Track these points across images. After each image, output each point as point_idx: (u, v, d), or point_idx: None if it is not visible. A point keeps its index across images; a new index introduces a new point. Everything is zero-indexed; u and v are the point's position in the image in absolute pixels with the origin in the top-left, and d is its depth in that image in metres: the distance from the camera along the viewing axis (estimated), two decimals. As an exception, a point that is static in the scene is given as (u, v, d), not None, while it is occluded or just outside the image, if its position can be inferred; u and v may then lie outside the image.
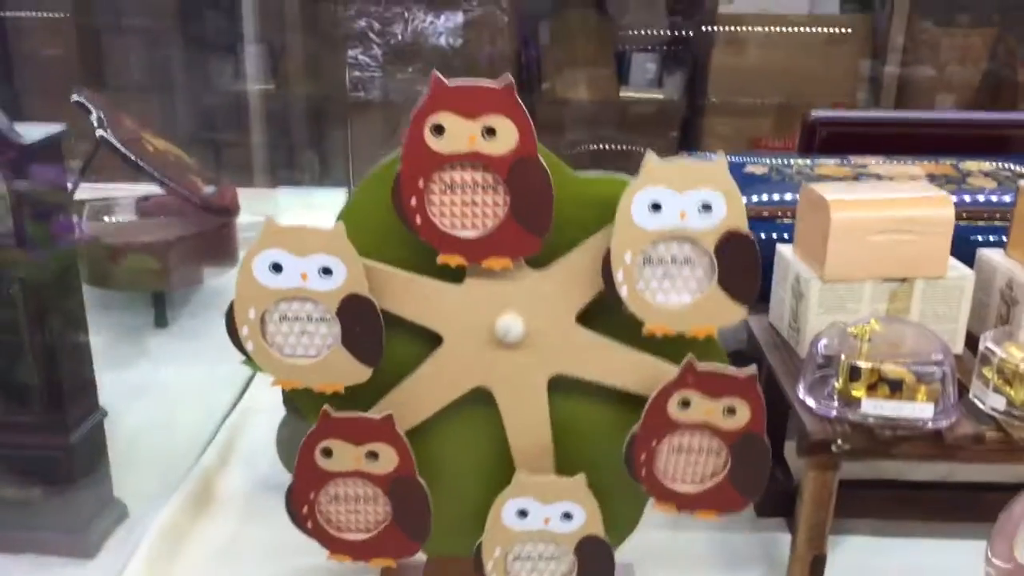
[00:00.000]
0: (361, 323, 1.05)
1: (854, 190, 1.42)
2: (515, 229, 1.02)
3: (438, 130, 0.98)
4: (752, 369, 1.05)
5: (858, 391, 1.23)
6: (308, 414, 1.13)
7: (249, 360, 1.51)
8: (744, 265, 1.03)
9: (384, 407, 1.11)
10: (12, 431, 1.36)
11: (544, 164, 1.00)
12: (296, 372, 1.07)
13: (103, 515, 1.44)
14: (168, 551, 1.39)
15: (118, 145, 1.94)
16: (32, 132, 1.27)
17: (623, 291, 1.03)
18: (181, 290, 2.20)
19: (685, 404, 1.06)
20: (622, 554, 1.27)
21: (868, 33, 3.68)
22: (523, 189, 1.00)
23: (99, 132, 1.93)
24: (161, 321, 2.11)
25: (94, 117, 1.95)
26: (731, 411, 1.06)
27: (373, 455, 1.09)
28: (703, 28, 3.81)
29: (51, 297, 1.32)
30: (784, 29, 3.71)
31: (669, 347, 1.08)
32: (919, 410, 1.21)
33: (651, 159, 1.00)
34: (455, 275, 1.07)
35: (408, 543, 1.15)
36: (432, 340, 1.11)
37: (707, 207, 1.00)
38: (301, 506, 1.14)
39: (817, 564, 1.30)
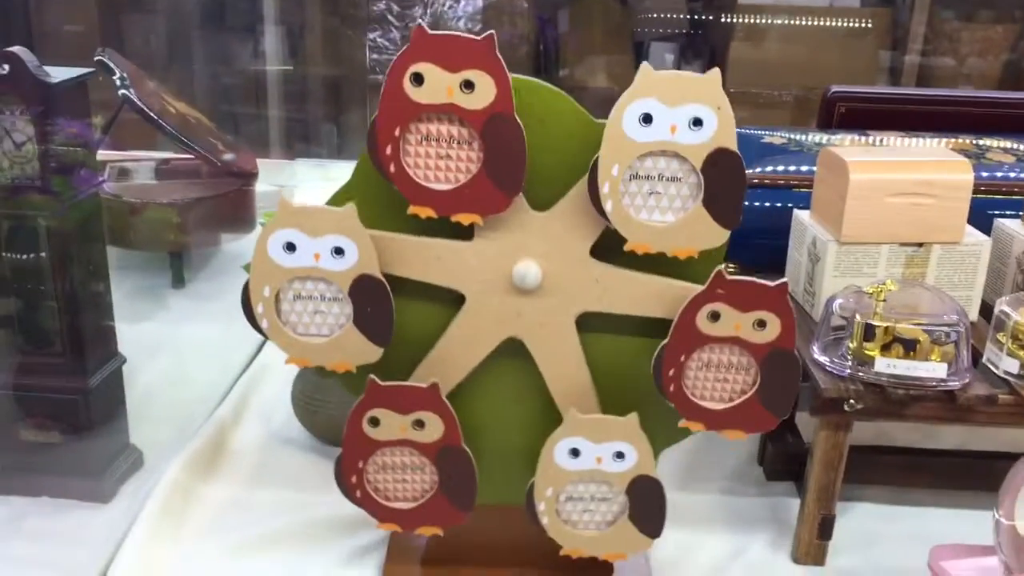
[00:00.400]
0: (372, 303, 1.06)
1: (873, 153, 1.43)
2: (487, 186, 1.02)
3: (417, 79, 0.99)
4: (783, 280, 1.03)
5: (872, 351, 1.24)
6: (341, 383, 1.15)
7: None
8: (730, 186, 1.02)
9: (420, 374, 1.12)
10: (34, 374, 1.38)
11: (519, 122, 1.00)
12: (309, 351, 1.09)
13: (119, 461, 1.46)
14: (182, 499, 1.41)
15: (141, 104, 1.95)
16: (60, 73, 1.28)
17: (607, 205, 1.02)
18: (198, 251, 2.22)
19: (714, 317, 1.04)
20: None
21: (888, 26, 3.67)
22: (497, 146, 1.01)
23: (122, 91, 1.95)
24: (178, 282, 2.13)
25: (117, 77, 1.97)
26: (761, 324, 1.04)
27: (419, 423, 1.11)
28: (722, 18, 3.81)
29: (75, 242, 1.34)
30: (804, 21, 3.70)
31: (685, 271, 1.08)
32: (933, 370, 1.22)
33: (646, 69, 0.98)
34: (466, 232, 1.08)
35: (455, 512, 1.16)
36: (455, 301, 1.11)
37: (698, 122, 0.99)
38: (350, 476, 1.15)
39: (826, 524, 1.31)
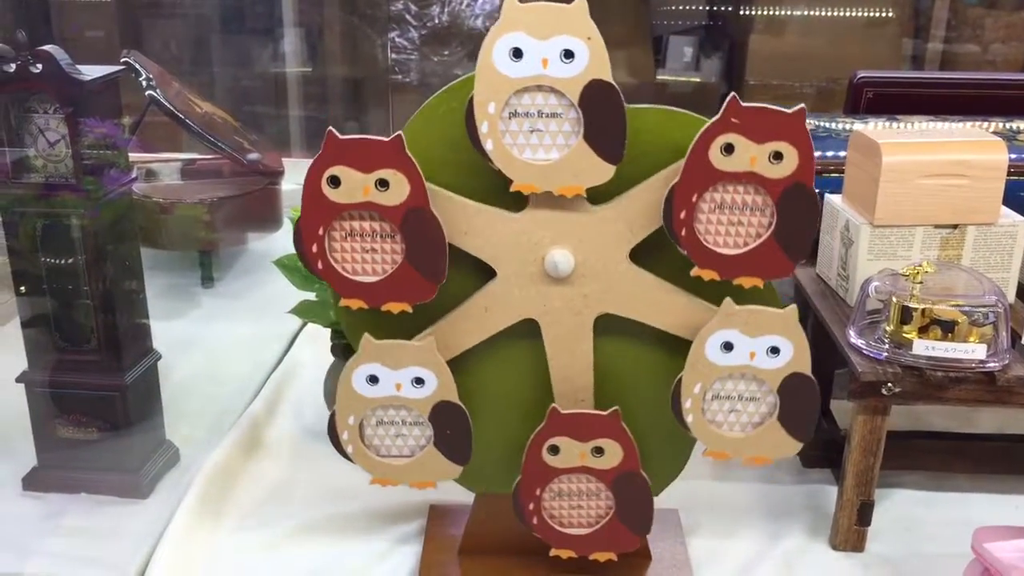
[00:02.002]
0: (452, 426, 1.12)
1: (905, 135, 1.41)
2: (412, 274, 1.05)
3: (334, 181, 1.02)
4: (801, 106, 0.99)
5: (909, 333, 1.23)
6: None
7: (299, 311, 1.54)
8: (609, 118, 1.00)
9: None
10: (70, 371, 1.39)
11: (435, 216, 1.03)
12: (392, 471, 1.16)
13: (156, 457, 1.47)
14: (218, 494, 1.41)
15: (167, 104, 1.96)
16: (92, 71, 1.29)
17: (488, 145, 1.01)
18: (226, 250, 2.24)
19: (728, 150, 0.99)
20: (667, 501, 1.27)
21: (910, 14, 3.64)
22: (417, 238, 1.04)
23: (148, 92, 1.96)
24: (207, 280, 2.14)
25: (143, 77, 1.98)
26: (778, 156, 1.00)
27: (599, 451, 1.12)
28: (741, 10, 3.79)
29: (109, 240, 1.35)
30: (824, 11, 3.68)
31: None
32: (972, 351, 1.20)
33: (511, 2, 0.96)
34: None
35: (630, 537, 1.17)
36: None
37: (569, 54, 0.98)
38: (527, 503, 1.16)
39: (865, 510, 1.30)
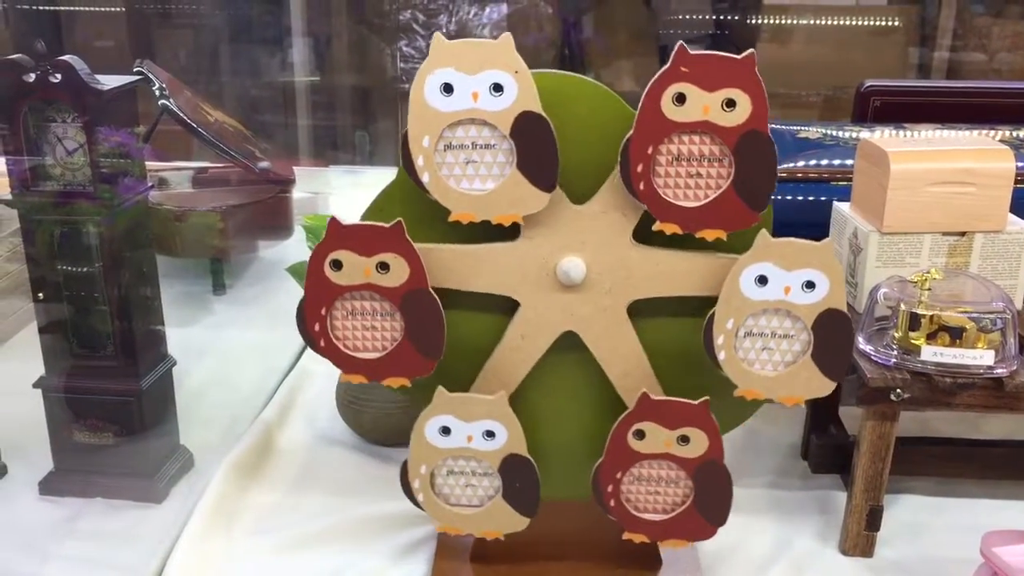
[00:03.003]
0: (521, 478, 1.15)
1: (913, 143, 1.43)
2: (410, 352, 1.09)
3: (336, 265, 1.06)
4: (750, 51, 0.98)
5: (918, 339, 1.24)
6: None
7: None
8: (541, 147, 1.02)
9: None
10: (87, 377, 1.41)
11: (436, 299, 1.06)
12: (459, 520, 1.19)
13: (171, 462, 1.48)
14: (233, 498, 1.43)
15: (181, 113, 1.98)
16: (109, 81, 1.31)
17: (425, 177, 1.03)
18: (237, 258, 2.25)
19: (680, 99, 0.99)
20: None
21: (916, 23, 3.65)
22: (417, 315, 1.08)
23: (161, 101, 1.98)
24: (219, 288, 2.16)
25: (156, 87, 2.00)
26: (731, 104, 0.99)
27: (684, 439, 1.12)
28: (748, 19, 3.80)
29: (125, 248, 1.36)
30: (830, 20, 3.69)
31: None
32: (980, 357, 1.21)
33: (438, 39, 0.99)
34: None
35: (705, 526, 1.17)
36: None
37: (498, 87, 1.00)
38: (606, 484, 1.15)
39: (874, 515, 1.31)
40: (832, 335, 1.06)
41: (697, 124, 1.00)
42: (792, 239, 1.03)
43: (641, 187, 1.03)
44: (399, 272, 1.06)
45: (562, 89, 1.05)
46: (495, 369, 1.14)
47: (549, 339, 1.13)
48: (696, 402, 1.09)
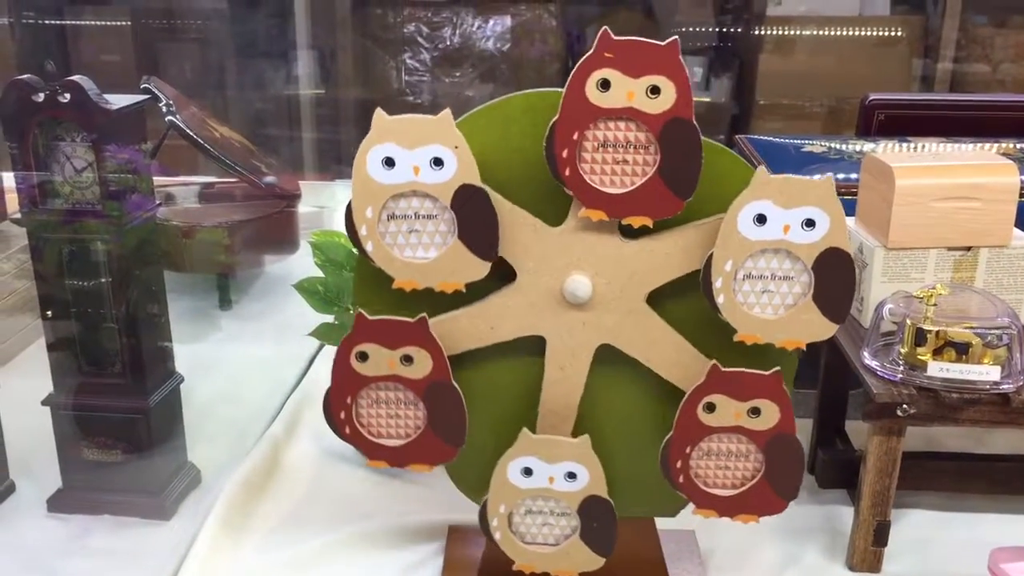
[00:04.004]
0: (597, 519, 1.15)
1: (918, 158, 1.43)
2: (433, 440, 1.12)
3: (362, 356, 1.10)
4: (673, 38, 0.98)
5: (924, 355, 1.24)
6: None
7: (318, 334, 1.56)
8: (480, 218, 1.04)
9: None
10: (95, 394, 1.41)
11: (458, 390, 1.09)
12: (536, 558, 1.19)
13: (179, 479, 1.49)
14: (240, 515, 1.43)
15: (187, 129, 1.99)
16: (117, 100, 1.32)
17: (368, 246, 1.06)
18: (243, 273, 2.26)
19: (605, 85, 0.99)
20: (684, 523, 1.28)
21: (920, 34, 3.66)
22: (439, 408, 1.11)
23: (168, 117, 1.99)
24: (225, 303, 2.17)
25: (163, 103, 2.01)
26: (655, 91, 0.99)
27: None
28: (751, 31, 3.81)
29: (133, 265, 1.37)
30: (834, 31, 3.70)
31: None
32: (986, 373, 1.22)
33: (380, 115, 1.02)
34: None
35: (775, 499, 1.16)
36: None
37: (439, 162, 1.03)
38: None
39: (881, 530, 1.31)
40: (834, 275, 1.03)
41: (622, 110, 1.00)
42: (791, 176, 1.01)
43: (567, 173, 1.03)
44: (423, 364, 1.09)
45: (535, 106, 1.06)
46: (549, 406, 1.14)
47: (587, 360, 1.13)
48: (767, 372, 1.06)
